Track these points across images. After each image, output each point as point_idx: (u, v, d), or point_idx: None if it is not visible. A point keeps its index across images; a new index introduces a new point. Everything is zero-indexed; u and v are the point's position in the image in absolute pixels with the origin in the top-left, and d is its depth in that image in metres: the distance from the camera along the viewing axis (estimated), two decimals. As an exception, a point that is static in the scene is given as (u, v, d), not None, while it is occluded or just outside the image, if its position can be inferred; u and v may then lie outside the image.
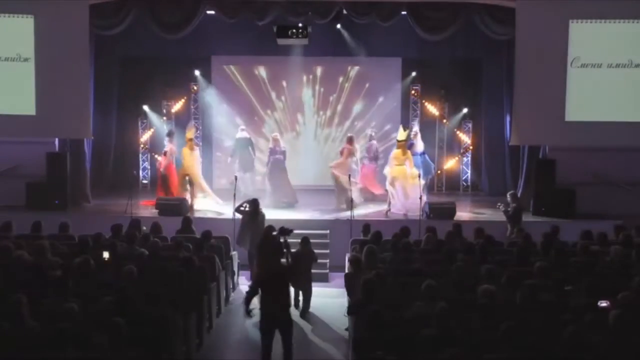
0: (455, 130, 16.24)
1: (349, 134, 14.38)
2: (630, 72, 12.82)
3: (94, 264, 7.57)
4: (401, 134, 13.13)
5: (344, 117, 16.14)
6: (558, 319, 6.14)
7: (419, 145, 13.90)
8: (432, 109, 16.13)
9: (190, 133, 13.89)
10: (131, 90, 15.80)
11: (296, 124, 16.29)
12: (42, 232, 9.89)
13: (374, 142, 14.71)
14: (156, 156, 15.32)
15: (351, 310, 7.11)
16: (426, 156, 14.06)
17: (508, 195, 11.68)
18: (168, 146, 13.98)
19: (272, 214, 12.28)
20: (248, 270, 11.18)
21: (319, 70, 16.08)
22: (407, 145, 13.28)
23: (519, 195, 13.77)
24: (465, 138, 16.23)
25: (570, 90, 12.84)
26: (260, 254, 8.97)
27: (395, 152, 13.05)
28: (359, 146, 14.34)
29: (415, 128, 14.46)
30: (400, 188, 12.79)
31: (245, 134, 14.57)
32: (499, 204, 11.69)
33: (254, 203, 10.77)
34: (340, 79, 16.04)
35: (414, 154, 13.52)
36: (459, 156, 16.29)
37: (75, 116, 13.10)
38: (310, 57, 15.52)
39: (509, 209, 11.31)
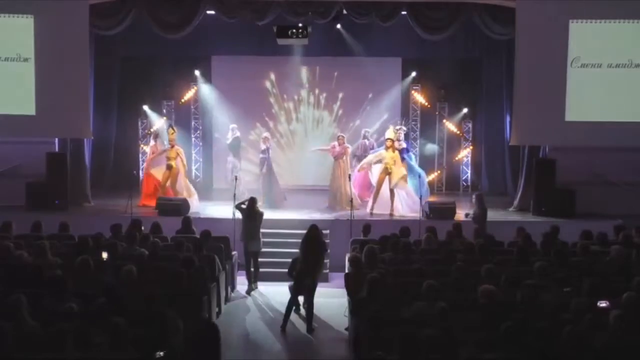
0: (455, 130, 16.24)
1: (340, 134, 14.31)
2: (630, 72, 12.81)
3: (93, 264, 7.57)
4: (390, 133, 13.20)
5: (344, 117, 16.14)
6: (558, 319, 6.14)
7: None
8: (432, 109, 16.12)
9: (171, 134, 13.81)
10: (131, 90, 15.80)
11: (296, 123, 16.30)
12: (42, 232, 9.89)
13: (367, 141, 14.70)
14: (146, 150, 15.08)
15: (354, 310, 7.07)
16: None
17: (473, 197, 11.61)
18: (153, 146, 13.99)
19: (270, 214, 12.29)
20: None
21: (318, 70, 16.09)
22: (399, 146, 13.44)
23: (519, 194, 13.86)
24: (465, 138, 16.23)
25: (570, 90, 12.83)
26: (305, 250, 9.06)
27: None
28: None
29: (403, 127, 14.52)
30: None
31: (237, 133, 14.65)
32: (466, 213, 11.70)
33: (251, 201, 10.82)
34: (340, 79, 16.04)
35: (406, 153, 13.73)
36: (465, 149, 16.24)
37: (75, 116, 13.09)
38: (310, 57, 15.54)
39: (472, 213, 11.34)
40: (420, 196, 12.37)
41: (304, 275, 8.95)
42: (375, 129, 15.59)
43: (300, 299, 9.24)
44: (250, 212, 10.69)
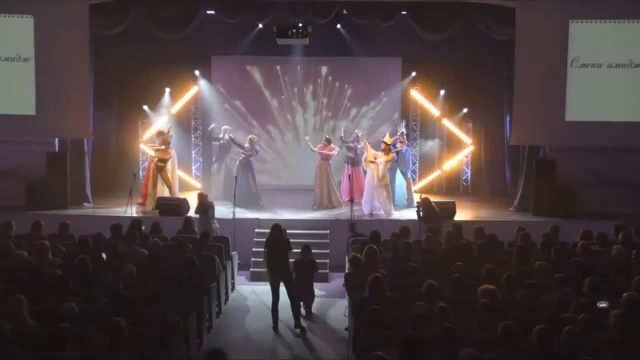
0: (455, 130, 16.22)
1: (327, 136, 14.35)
2: (630, 72, 12.82)
3: (92, 264, 7.57)
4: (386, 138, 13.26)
5: (344, 117, 16.13)
6: (558, 319, 6.14)
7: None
8: (432, 109, 16.12)
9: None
10: (131, 90, 15.80)
11: (296, 123, 16.29)
12: (42, 232, 9.89)
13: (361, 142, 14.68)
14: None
15: (354, 310, 7.06)
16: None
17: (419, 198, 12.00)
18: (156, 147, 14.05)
19: (270, 215, 12.30)
20: (247, 270, 11.23)
21: (318, 70, 16.09)
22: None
23: (519, 194, 13.85)
24: (465, 138, 16.22)
25: (570, 90, 12.84)
26: (269, 251, 9.10)
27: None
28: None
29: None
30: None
31: (229, 134, 14.68)
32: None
33: (198, 198, 11.26)
34: (340, 79, 16.04)
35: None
36: (465, 148, 16.25)
37: (75, 116, 13.11)
38: (310, 57, 15.55)
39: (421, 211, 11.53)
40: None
41: (274, 271, 9.04)
42: (373, 129, 15.60)
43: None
44: (202, 208, 11.05)
